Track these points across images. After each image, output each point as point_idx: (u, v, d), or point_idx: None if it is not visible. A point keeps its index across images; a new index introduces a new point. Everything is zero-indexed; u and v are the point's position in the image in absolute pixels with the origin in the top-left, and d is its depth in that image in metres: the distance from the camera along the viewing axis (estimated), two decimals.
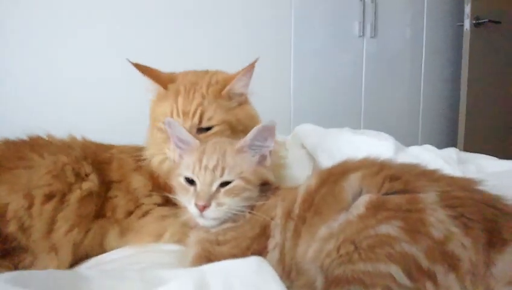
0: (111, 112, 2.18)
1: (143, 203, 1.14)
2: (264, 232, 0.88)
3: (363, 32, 3.23)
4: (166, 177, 1.11)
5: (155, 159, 1.18)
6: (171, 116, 1.14)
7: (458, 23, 3.56)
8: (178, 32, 2.51)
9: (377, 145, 1.40)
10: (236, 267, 0.64)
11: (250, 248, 0.86)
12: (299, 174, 1.31)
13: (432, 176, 0.82)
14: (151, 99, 1.24)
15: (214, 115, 1.14)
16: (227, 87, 1.16)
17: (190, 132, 1.04)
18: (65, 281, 0.67)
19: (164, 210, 1.14)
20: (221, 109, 1.16)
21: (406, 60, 3.50)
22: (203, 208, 0.89)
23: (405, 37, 3.48)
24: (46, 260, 1.01)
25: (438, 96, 3.70)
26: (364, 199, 0.76)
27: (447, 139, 3.62)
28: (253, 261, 0.66)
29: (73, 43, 2.23)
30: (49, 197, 1.04)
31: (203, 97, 1.15)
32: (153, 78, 1.19)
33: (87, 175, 1.11)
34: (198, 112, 1.13)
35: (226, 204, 0.90)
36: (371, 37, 3.26)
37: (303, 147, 1.66)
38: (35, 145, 1.14)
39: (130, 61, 1.17)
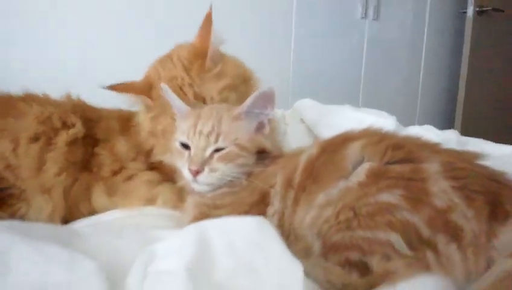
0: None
1: (127, 167, 1.14)
2: (263, 200, 0.87)
3: (365, 15, 3.20)
4: None
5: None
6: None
7: (461, 10, 3.54)
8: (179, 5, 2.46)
9: (378, 122, 1.39)
10: (237, 224, 0.64)
11: (249, 213, 0.85)
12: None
13: (434, 148, 0.82)
14: (143, 112, 1.17)
15: (211, 90, 1.11)
16: (207, 59, 1.11)
17: None
18: (62, 235, 0.67)
19: (149, 175, 1.14)
20: (212, 80, 1.12)
21: (407, 44, 3.48)
22: (196, 173, 0.89)
23: (407, 21, 3.45)
24: (41, 202, 1.03)
25: (437, 81, 3.69)
26: (365, 167, 0.75)
27: (444, 124, 3.62)
28: (254, 219, 0.65)
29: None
30: (34, 139, 1.06)
31: (191, 84, 1.11)
32: (135, 92, 1.13)
33: (73, 124, 1.12)
34: (200, 99, 1.10)
35: (220, 170, 0.90)
36: (373, 19, 3.23)
37: (302, 121, 1.65)
38: (27, 99, 1.15)
39: (104, 87, 1.10)
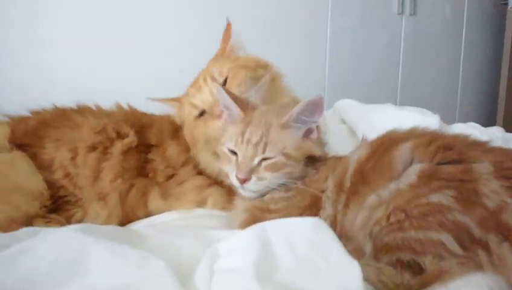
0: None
1: (178, 173, 1.18)
2: (315, 204, 0.90)
3: (402, 10, 3.16)
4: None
5: (210, 168, 1.18)
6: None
7: (502, 2, 3.44)
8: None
9: (422, 121, 1.38)
10: (296, 225, 0.66)
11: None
12: (339, 149, 1.31)
13: (484, 147, 0.82)
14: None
15: (222, 69, 1.18)
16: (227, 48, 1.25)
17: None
18: (126, 236, 0.71)
19: (199, 179, 1.18)
20: (226, 61, 1.21)
21: (445, 39, 3.40)
22: (243, 181, 0.92)
23: (445, 16, 3.38)
24: (97, 209, 1.09)
25: (477, 77, 3.61)
26: (416, 168, 0.77)
27: (485, 121, 3.54)
28: (312, 220, 0.67)
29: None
30: (92, 148, 1.12)
31: (213, 65, 1.21)
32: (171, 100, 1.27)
33: (126, 134, 1.17)
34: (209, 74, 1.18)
35: (267, 179, 0.92)
36: (410, 14, 3.18)
37: (343, 122, 1.66)
38: (82, 111, 1.22)
39: (151, 99, 1.24)
